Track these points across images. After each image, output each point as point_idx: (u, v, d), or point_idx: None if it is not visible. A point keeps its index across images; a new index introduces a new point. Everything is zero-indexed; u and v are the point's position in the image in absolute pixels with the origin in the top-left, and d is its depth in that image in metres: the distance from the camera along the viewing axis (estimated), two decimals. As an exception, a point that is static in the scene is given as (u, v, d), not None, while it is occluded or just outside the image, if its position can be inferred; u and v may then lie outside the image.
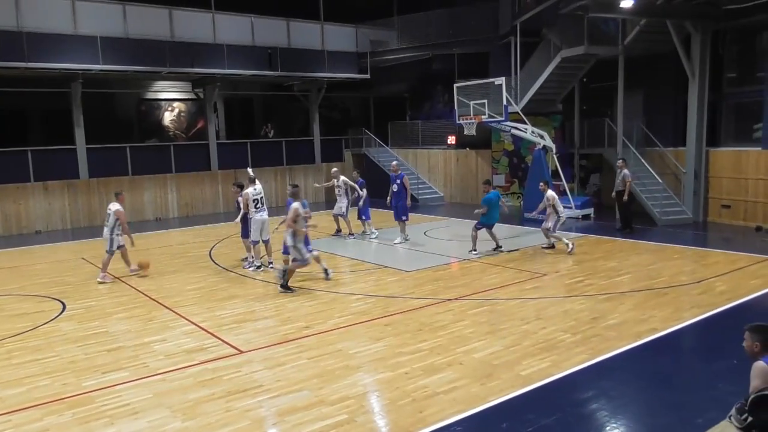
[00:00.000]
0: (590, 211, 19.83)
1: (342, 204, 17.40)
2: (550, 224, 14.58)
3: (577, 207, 19.60)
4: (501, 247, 14.73)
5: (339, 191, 17.49)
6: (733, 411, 4.77)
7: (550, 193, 14.63)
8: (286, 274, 11.68)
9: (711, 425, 5.35)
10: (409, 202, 16.26)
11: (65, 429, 6.26)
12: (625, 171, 17.00)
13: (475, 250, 14.37)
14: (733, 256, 13.52)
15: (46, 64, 19.64)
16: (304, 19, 25.45)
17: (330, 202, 18.83)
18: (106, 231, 13.16)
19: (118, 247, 13.31)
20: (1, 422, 6.43)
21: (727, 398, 5.86)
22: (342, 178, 17.63)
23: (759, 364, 4.74)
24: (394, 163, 17.83)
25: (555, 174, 19.91)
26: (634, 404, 6.64)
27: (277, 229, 13.91)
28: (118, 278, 13.23)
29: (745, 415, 4.64)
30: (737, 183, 17.77)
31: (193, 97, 27.21)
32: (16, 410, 6.71)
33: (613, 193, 17.51)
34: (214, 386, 7.19)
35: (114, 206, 13.15)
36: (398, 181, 16.44)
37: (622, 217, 17.28)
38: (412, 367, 7.58)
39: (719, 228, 17.54)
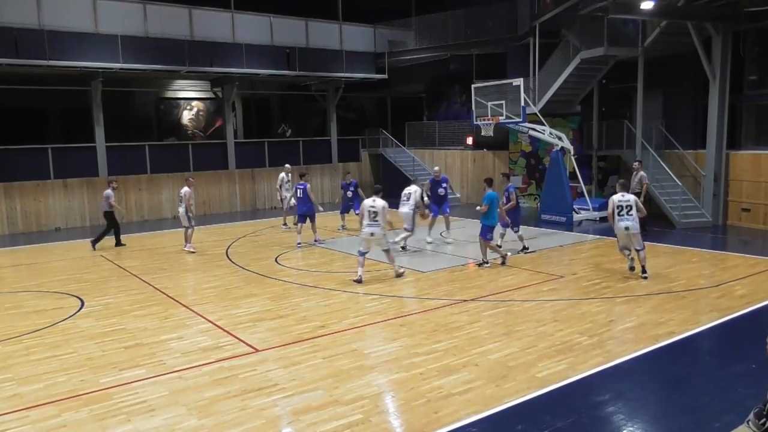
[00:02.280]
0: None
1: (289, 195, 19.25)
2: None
3: (594, 209, 19.50)
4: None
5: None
6: (751, 415, 4.72)
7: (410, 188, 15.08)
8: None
9: (728, 429, 5.28)
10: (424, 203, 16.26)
11: (82, 425, 6.31)
12: (642, 173, 16.89)
13: (486, 262, 13.42)
14: (753, 260, 13.38)
15: (66, 62, 19.80)
16: (322, 19, 25.49)
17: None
18: (181, 211, 15.85)
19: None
20: (18, 418, 6.50)
21: (745, 402, 5.80)
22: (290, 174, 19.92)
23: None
24: (436, 168, 17.76)
25: (573, 175, 19.82)
26: (651, 407, 6.58)
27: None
28: (136, 275, 13.33)
29: (764, 419, 4.58)
30: (757, 186, 17.59)
31: (212, 96, 27.36)
32: (34, 406, 6.77)
33: None
34: (230, 384, 7.22)
35: (183, 189, 15.84)
36: (444, 185, 16.54)
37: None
38: (427, 368, 7.57)
39: (738, 231, 17.37)
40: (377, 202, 12.29)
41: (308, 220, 16.43)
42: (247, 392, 6.99)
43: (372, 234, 12.20)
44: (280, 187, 19.93)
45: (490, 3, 25.04)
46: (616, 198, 11.98)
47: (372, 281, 12.32)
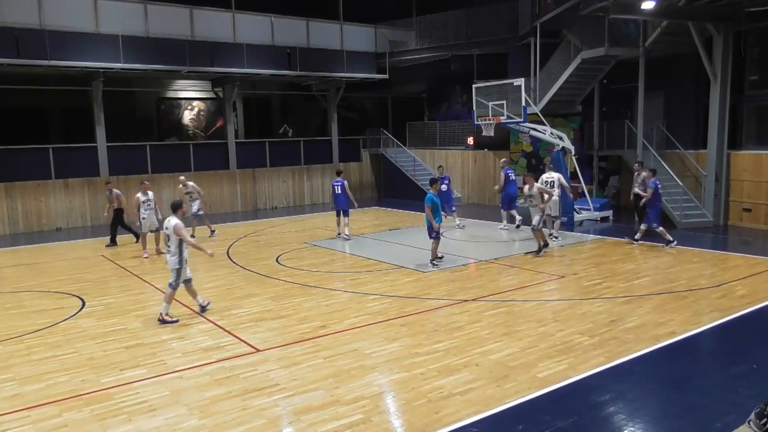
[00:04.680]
0: (609, 213, 19.70)
1: (194, 206, 17.86)
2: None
3: (595, 209, 19.50)
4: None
5: (192, 196, 17.87)
6: (752, 416, 4.72)
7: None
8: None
9: (729, 429, 5.30)
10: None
11: (83, 425, 6.31)
12: (644, 174, 16.79)
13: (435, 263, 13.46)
14: (754, 260, 13.37)
15: (67, 62, 19.82)
16: (323, 19, 25.50)
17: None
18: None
19: (151, 231, 15.50)
20: (20, 418, 6.50)
21: (746, 402, 5.81)
22: (190, 183, 18.04)
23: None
24: (503, 160, 19.56)
25: (574, 175, 19.80)
26: (652, 408, 6.58)
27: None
28: (137, 275, 13.34)
29: (765, 420, 4.58)
30: (758, 186, 17.58)
31: (213, 96, 27.37)
32: (35, 406, 6.78)
33: (632, 196, 17.33)
34: (231, 384, 7.22)
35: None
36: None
37: (640, 219, 17.09)
38: (427, 368, 7.57)
39: (739, 231, 17.37)
40: (170, 222, 9.92)
41: (343, 215, 17.17)
42: (248, 392, 6.99)
43: (166, 262, 10.13)
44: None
45: (491, 3, 25.06)
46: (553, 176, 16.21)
47: (372, 281, 12.33)
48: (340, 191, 17.18)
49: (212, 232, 18.52)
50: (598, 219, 19.28)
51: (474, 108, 20.01)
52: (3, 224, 20.26)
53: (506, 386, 6.99)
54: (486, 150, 25.46)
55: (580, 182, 19.93)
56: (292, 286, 12.05)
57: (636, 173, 16.91)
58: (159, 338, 9.05)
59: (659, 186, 15.21)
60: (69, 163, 21.49)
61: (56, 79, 22.16)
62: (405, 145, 29.45)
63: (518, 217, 17.64)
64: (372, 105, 34.00)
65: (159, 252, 15.49)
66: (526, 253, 14.55)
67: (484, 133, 20.28)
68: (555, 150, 19.32)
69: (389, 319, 9.70)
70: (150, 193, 15.59)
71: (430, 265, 13.36)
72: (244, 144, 26.46)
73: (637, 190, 16.44)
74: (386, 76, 27.01)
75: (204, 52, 22.40)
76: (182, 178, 18.59)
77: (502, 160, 19.99)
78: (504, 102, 18.78)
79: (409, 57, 27.74)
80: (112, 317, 10.20)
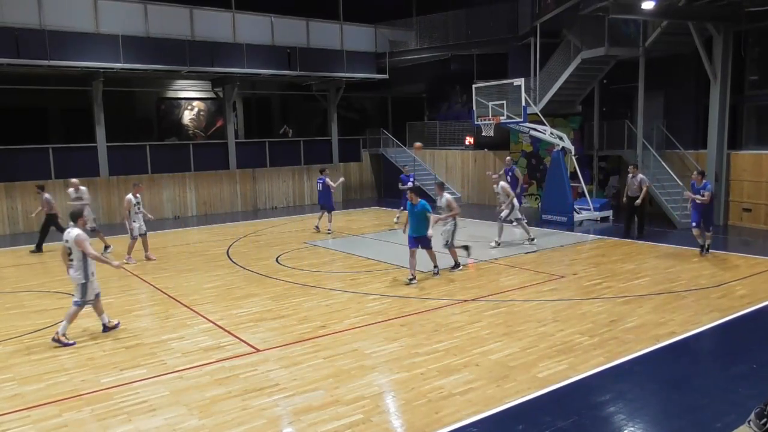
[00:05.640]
0: (609, 213, 19.69)
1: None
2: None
3: (595, 209, 19.49)
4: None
5: (82, 201, 15.71)
6: (752, 416, 4.72)
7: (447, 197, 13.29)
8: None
9: (730, 429, 5.30)
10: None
11: (83, 425, 6.31)
12: (641, 176, 16.71)
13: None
14: (754, 260, 13.37)
15: (67, 62, 19.81)
16: (323, 19, 25.49)
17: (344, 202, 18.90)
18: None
19: (140, 234, 14.85)
20: (20, 418, 6.50)
21: (746, 402, 5.81)
22: (83, 188, 16.30)
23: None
24: (508, 158, 20.39)
25: (574, 175, 19.81)
26: (652, 408, 6.58)
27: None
28: (137, 275, 13.33)
29: (765, 419, 4.58)
30: (758, 186, 17.59)
31: (213, 96, 27.37)
32: (35, 406, 6.78)
33: (624, 198, 17.09)
34: (231, 384, 7.22)
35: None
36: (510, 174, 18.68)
37: (639, 220, 17.04)
38: (427, 368, 7.57)
39: (740, 231, 17.36)
40: (71, 234, 8.88)
41: (327, 211, 18.54)
42: (248, 392, 6.99)
43: (72, 279, 9.02)
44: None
45: (491, 3, 25.05)
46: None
47: (372, 281, 12.32)
48: (321, 188, 18.56)
49: (106, 247, 15.99)
50: (598, 219, 19.28)
51: (474, 108, 20.02)
52: (3, 224, 20.25)
53: (506, 386, 6.99)
54: (486, 150, 25.46)
55: (580, 182, 19.93)
56: (292, 286, 12.05)
57: (631, 175, 16.69)
58: (159, 338, 9.05)
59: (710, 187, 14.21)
60: (69, 163, 21.46)
61: (56, 79, 22.16)
62: (405, 145, 29.44)
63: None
64: (372, 105, 34.01)
65: (148, 258, 14.97)
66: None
67: (484, 133, 20.30)
68: (555, 150, 19.34)
69: (389, 319, 9.70)
70: (139, 195, 14.86)
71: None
72: (244, 144, 26.45)
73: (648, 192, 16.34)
74: (386, 76, 27.00)
75: (204, 52, 22.40)
76: (74, 180, 16.67)
77: (507, 158, 20.27)
78: (504, 102, 18.80)
79: (409, 57, 27.73)
80: (112, 317, 10.15)
